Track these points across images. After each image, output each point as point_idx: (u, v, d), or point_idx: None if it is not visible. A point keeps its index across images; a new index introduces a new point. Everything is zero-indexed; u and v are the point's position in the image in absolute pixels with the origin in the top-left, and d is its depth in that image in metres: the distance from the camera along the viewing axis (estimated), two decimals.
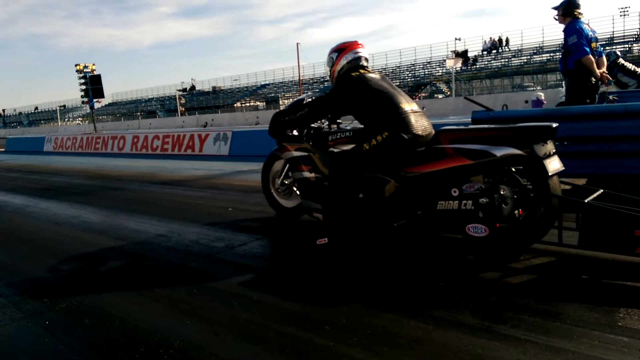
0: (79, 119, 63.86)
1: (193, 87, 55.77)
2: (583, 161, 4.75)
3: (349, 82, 3.46)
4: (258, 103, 48.40)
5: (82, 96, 19.61)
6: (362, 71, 3.52)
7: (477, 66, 35.62)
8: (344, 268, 3.18)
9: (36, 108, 74.19)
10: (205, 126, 30.20)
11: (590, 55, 5.13)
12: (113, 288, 3.04)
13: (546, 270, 2.90)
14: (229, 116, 34.50)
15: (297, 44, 35.83)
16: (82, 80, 18.90)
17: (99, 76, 19.19)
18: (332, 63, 3.72)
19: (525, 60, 33.48)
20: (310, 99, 4.00)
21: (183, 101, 51.03)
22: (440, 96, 32.94)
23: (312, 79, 44.75)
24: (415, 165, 3.17)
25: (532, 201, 2.97)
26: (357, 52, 3.64)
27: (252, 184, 6.79)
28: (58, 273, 3.42)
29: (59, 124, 54.13)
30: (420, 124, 3.26)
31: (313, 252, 3.46)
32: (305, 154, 3.95)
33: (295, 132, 4.15)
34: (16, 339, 2.44)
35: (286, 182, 4.40)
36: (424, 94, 34.71)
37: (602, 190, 3.30)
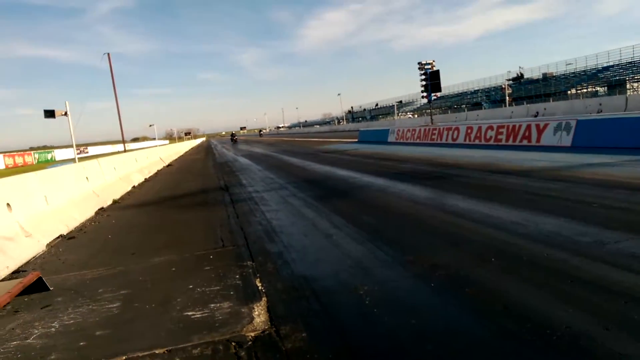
0: (410, 113, 70.25)
1: (521, 76, 53.33)
2: None
3: None
4: (598, 88, 42.26)
5: (422, 91, 21.37)
6: None
7: None
8: None
9: (376, 104, 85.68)
10: (536, 116, 28.41)
11: None
12: (491, 270, 3.29)
13: None
14: (564, 104, 31.24)
15: None
16: (423, 77, 20.64)
17: (437, 72, 20.56)
18: None
19: None
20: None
21: (510, 91, 49.35)
22: None
23: None
24: None
25: None
26: None
27: (608, 178, 6.09)
28: (433, 246, 3.92)
29: (395, 117, 60.84)
30: None
31: None
32: None
33: None
34: (410, 292, 2.96)
35: None
36: None
37: None
